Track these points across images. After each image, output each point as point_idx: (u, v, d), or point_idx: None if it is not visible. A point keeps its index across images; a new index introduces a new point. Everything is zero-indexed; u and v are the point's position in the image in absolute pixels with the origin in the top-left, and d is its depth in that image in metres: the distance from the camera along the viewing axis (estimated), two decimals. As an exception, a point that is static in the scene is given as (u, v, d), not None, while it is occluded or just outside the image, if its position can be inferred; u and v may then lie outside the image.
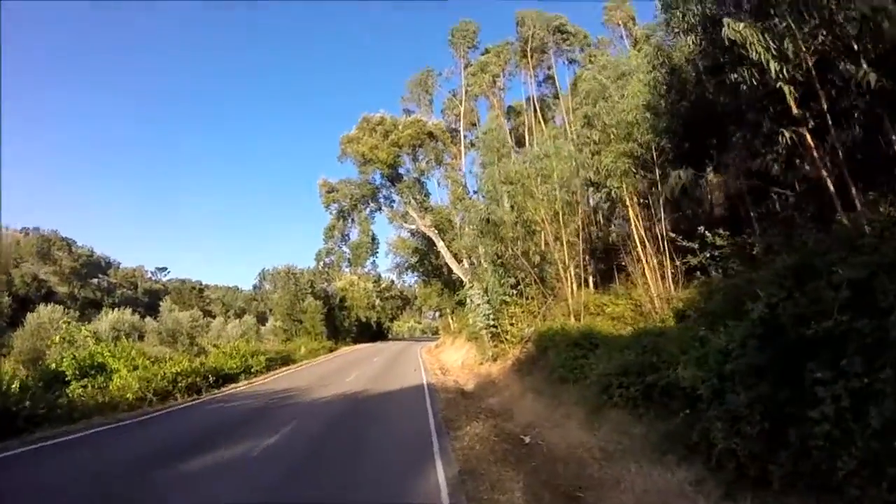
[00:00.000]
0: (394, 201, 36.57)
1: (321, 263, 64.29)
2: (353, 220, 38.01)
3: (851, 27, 9.45)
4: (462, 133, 43.56)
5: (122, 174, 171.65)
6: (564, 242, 20.84)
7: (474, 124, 46.11)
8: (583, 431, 11.06)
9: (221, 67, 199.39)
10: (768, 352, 6.33)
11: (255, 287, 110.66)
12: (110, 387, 17.66)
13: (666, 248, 16.68)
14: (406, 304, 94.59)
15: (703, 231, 12.09)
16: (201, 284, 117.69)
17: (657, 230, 16.93)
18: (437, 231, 34.92)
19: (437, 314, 65.50)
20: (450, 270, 42.67)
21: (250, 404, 16.60)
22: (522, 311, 21.66)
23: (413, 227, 36.59)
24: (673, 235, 13.13)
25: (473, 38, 46.06)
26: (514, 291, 21.66)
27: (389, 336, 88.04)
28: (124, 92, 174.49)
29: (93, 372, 18.74)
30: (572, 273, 20.27)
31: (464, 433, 11.61)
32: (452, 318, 48.90)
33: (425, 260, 51.35)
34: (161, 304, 55.89)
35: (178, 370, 20.04)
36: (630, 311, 17.63)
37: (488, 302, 22.03)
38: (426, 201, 36.89)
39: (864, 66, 9.23)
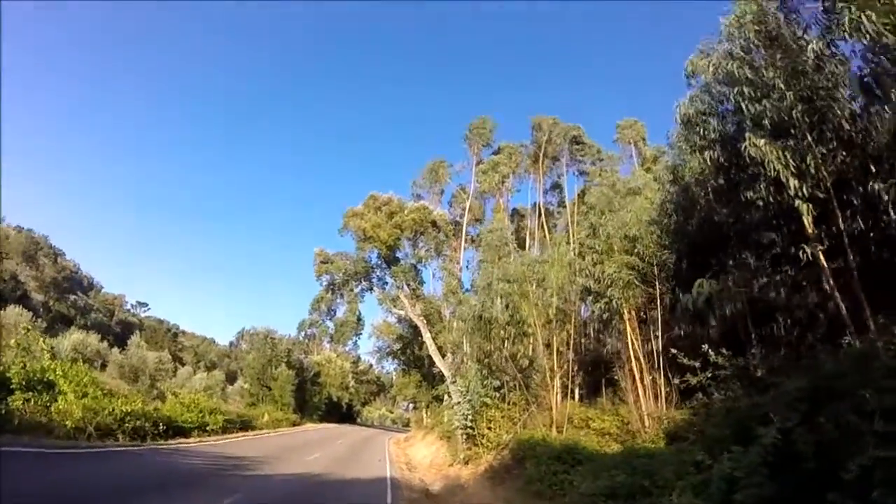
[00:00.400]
0: (386, 283, 35.80)
1: (303, 334, 62.98)
2: (342, 295, 37.33)
3: (871, 148, 9.45)
4: (464, 228, 43.84)
5: (126, 201, 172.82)
6: (555, 350, 20.20)
7: (479, 220, 46.55)
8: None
9: (242, 123, 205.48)
10: (782, 482, 5.77)
11: (231, 344, 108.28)
12: (52, 409, 16.19)
13: (660, 366, 16.03)
14: (381, 390, 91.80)
15: (706, 350, 11.33)
16: (177, 328, 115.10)
17: (653, 346, 16.36)
18: (425, 321, 34.13)
19: (412, 406, 63.00)
20: (431, 363, 41.28)
21: (196, 465, 15.14)
22: (502, 416, 20.58)
23: (402, 312, 35.51)
24: (675, 352, 12.36)
25: (489, 136, 47.52)
26: (497, 394, 20.68)
27: (359, 420, 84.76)
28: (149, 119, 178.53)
29: (40, 388, 16.97)
30: (558, 383, 19.51)
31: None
32: (427, 413, 46.94)
33: (408, 349, 50.15)
34: (131, 338, 53.42)
35: (129, 410, 18.48)
36: (616, 428, 16.70)
37: (469, 401, 20.92)
38: (419, 289, 36.37)
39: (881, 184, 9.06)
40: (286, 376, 55.30)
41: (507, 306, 19.53)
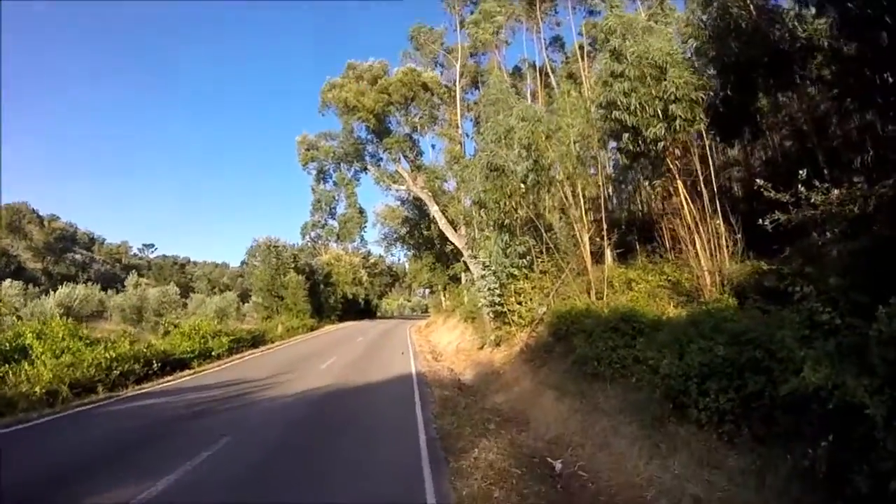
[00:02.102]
0: (381, 159, 31.59)
1: (307, 238, 60.35)
2: (334, 183, 32.95)
3: None
4: (458, 93, 39.03)
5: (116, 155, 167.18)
6: (582, 203, 17.27)
7: (476, 85, 41.69)
8: (645, 459, 7.47)
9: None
10: None
11: (243, 263, 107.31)
12: (23, 376, 13.90)
13: (719, 209, 13.09)
14: (395, 280, 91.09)
15: (804, 175, 7.99)
16: (186, 260, 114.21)
17: (703, 192, 13.28)
18: (430, 194, 30.33)
19: (428, 291, 61.47)
20: (443, 241, 38.80)
21: (180, 404, 12.59)
22: (532, 287, 17.92)
23: (403, 188, 31.53)
24: (760, 184, 9.09)
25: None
26: (524, 262, 17.88)
27: (378, 314, 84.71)
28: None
29: (17, 357, 15.24)
30: (587, 242, 16.64)
31: (470, 463, 7.92)
32: (445, 296, 45.10)
33: (416, 230, 47.43)
34: (127, 278, 51.06)
35: (114, 355, 16.27)
36: (665, 289, 14.03)
37: (493, 273, 18.23)
38: (418, 160, 31.89)
39: None
40: (296, 282, 53.55)
41: (527, 147, 16.05)
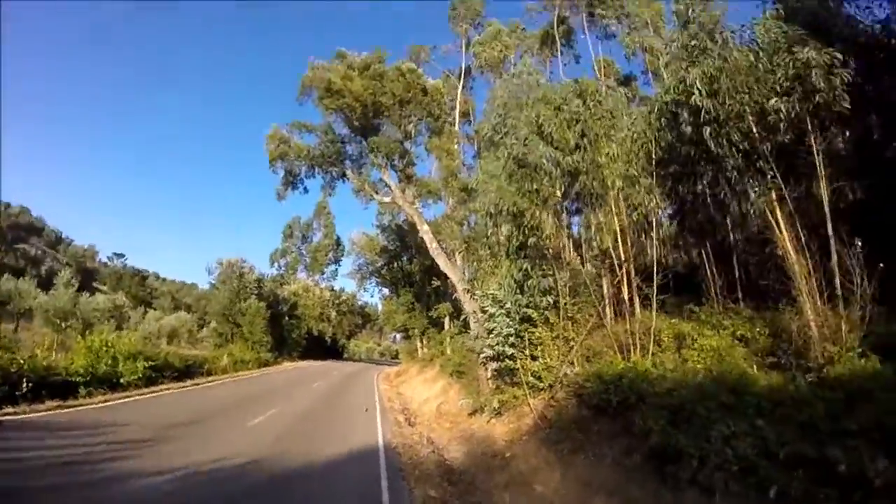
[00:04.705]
0: (364, 164, 25.41)
1: (276, 266, 54.73)
2: (305, 190, 26.94)
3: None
4: (457, 118, 34.79)
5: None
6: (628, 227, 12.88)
7: (467, 117, 37.89)
8: None
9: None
10: None
11: (211, 285, 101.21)
12: None
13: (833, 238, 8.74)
14: (366, 321, 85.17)
15: None
16: (152, 274, 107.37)
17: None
18: (419, 211, 24.45)
19: (402, 337, 55.58)
20: (427, 276, 34.19)
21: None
22: (554, 338, 13.00)
23: (388, 199, 25.80)
24: None
25: (479, 9, 37.98)
26: (547, 301, 13.02)
27: (345, 355, 78.70)
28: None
29: None
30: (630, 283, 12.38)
31: None
32: (422, 342, 39.65)
33: (395, 262, 42.38)
34: (57, 276, 44.51)
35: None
36: (735, 348, 9.98)
37: (507, 315, 13.27)
38: (409, 169, 25.66)
39: None
40: (256, 308, 47.97)
41: (581, 134, 11.48)
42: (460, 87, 37.14)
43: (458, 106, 35.10)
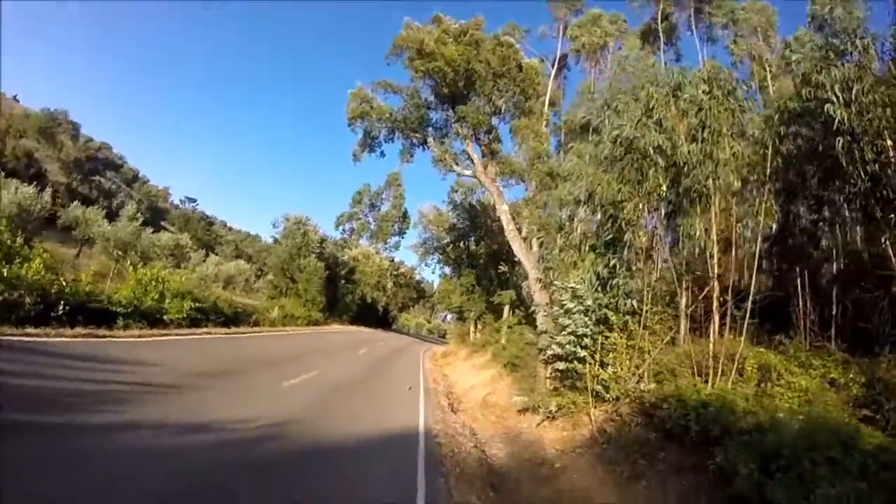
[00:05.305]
0: (447, 135, 24.48)
1: (340, 230, 54.54)
2: (382, 154, 25.94)
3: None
4: (546, 105, 32.79)
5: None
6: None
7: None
8: None
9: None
10: None
11: (274, 240, 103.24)
12: None
13: None
14: (420, 297, 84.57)
15: None
16: (220, 222, 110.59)
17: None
18: (500, 189, 22.80)
19: (454, 317, 54.16)
20: (494, 260, 32.93)
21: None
22: (628, 346, 11.39)
23: (468, 173, 24.32)
24: None
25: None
26: (630, 305, 11.42)
27: (394, 326, 78.45)
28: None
29: None
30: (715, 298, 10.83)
31: None
32: (476, 327, 38.21)
33: (461, 242, 41.33)
34: (123, 209, 45.35)
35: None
36: (827, 392, 8.73)
37: (586, 312, 11.69)
38: (494, 145, 24.39)
39: None
40: (314, 267, 47.85)
41: (703, 124, 9.84)
42: (552, 73, 35.11)
43: (549, 93, 33.14)
